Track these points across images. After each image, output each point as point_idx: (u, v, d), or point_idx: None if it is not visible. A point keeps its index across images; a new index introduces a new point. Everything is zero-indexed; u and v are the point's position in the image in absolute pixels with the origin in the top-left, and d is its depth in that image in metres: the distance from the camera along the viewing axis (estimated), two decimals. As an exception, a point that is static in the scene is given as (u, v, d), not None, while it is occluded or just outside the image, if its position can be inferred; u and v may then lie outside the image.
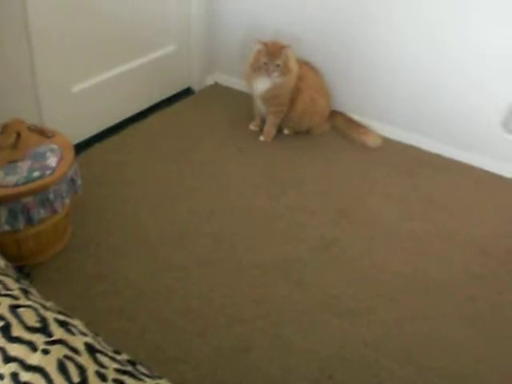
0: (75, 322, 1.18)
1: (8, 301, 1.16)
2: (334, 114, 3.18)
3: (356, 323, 2.10)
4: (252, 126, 3.16)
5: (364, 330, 2.07)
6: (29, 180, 1.99)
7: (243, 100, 3.32)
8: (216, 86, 3.64)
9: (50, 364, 1.03)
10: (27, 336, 1.08)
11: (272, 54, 2.80)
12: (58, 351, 1.06)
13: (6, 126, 2.10)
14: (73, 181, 2.19)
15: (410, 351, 2.02)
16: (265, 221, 2.55)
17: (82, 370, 1.04)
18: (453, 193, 2.86)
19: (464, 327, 2.14)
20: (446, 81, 2.93)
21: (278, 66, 2.81)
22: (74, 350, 1.08)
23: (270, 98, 2.94)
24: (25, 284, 1.31)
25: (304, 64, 3.03)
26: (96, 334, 1.22)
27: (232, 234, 2.46)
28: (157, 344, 1.94)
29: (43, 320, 1.13)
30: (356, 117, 3.16)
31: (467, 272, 2.39)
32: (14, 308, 1.14)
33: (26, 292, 1.23)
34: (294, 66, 2.89)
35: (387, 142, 3.11)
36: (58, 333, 1.11)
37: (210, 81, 3.63)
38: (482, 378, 1.95)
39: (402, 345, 2.04)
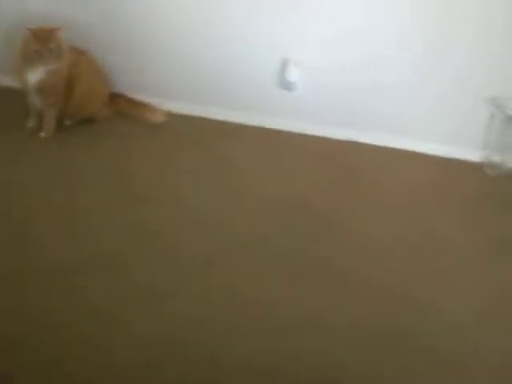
0: None
1: None
2: (115, 97, 3.07)
3: (180, 304, 2.04)
4: (29, 124, 2.92)
5: (190, 310, 2.02)
6: None
7: (16, 98, 3.01)
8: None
9: None
10: None
11: (43, 39, 2.62)
12: None
13: None
14: None
15: (239, 320, 2.01)
16: (64, 220, 2.37)
17: None
18: (246, 156, 2.93)
19: (283, 283, 2.20)
20: (217, 45, 3.00)
21: (51, 50, 2.63)
22: None
23: (44, 88, 2.74)
24: None
25: (74, 49, 2.85)
26: None
27: (34, 233, 2.28)
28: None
29: None
30: (140, 97, 3.08)
31: (271, 228, 2.48)
32: None
33: None
34: (66, 50, 2.73)
35: (175, 117, 3.08)
36: None
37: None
38: (314, 331, 2.01)
39: (231, 316, 2.03)
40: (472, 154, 3.09)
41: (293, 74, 2.98)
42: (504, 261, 2.48)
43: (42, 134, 2.87)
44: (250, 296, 2.11)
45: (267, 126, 3.12)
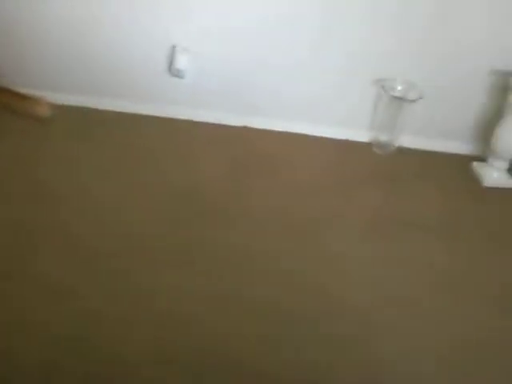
0: None
1: None
2: (-2, 91, 2.98)
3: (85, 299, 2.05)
4: None
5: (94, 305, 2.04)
6: None
7: None
8: None
9: None
10: None
11: None
12: None
13: None
14: None
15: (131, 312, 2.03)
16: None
17: None
18: (141, 146, 2.90)
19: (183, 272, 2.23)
20: (104, 34, 2.94)
21: None
22: None
23: None
24: None
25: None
26: None
27: None
28: None
29: None
30: (27, 90, 2.98)
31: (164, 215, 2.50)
32: None
33: None
34: None
35: (65, 110, 2.99)
36: None
37: None
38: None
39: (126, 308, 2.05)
40: (362, 135, 3.17)
41: (181, 62, 2.95)
42: (392, 234, 2.60)
43: None
44: (148, 287, 2.14)
45: (160, 115, 3.09)
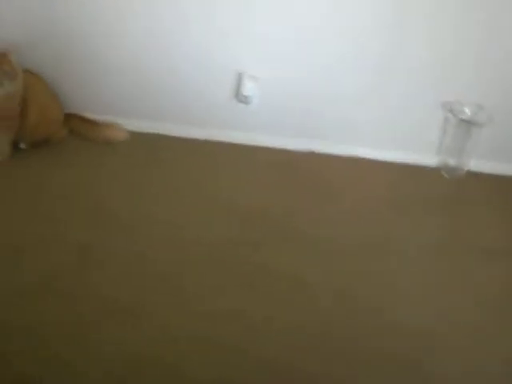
0: None
1: None
2: (69, 117, 3.01)
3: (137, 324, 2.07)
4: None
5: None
6: None
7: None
8: None
9: None
10: None
11: (-3, 62, 2.58)
12: None
13: None
14: None
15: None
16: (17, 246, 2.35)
17: None
18: (208, 171, 2.93)
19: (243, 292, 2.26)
20: (172, 61, 2.97)
21: (6, 72, 2.60)
22: None
23: (1, 112, 2.69)
24: None
25: (24, 71, 2.82)
26: None
27: None
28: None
29: None
30: (98, 117, 3.03)
31: (230, 238, 2.51)
32: None
33: None
34: (20, 72, 2.69)
35: (134, 136, 3.02)
36: None
37: None
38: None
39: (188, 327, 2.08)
40: (429, 159, 3.15)
41: (248, 88, 2.98)
42: (460, 259, 2.58)
43: (-2, 158, 2.82)
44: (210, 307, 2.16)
45: (227, 140, 3.11)
